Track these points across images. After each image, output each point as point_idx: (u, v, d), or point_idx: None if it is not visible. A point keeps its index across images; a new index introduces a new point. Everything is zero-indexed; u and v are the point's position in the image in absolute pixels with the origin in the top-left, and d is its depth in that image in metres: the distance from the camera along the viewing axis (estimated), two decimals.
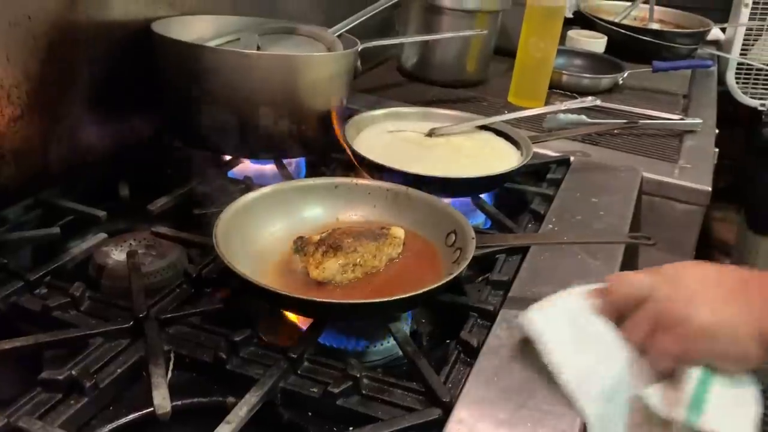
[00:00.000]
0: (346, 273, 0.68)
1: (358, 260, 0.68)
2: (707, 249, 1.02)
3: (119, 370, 0.59)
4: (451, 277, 0.62)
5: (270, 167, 0.99)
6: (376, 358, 0.68)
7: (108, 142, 0.93)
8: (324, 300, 0.57)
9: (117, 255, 0.80)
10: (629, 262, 0.91)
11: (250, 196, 0.74)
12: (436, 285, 0.61)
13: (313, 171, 1.02)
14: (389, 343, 0.67)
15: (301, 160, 1.03)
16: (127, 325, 0.63)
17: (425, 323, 0.74)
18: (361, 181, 0.81)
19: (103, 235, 0.78)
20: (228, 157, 0.98)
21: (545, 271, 0.74)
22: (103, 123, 0.92)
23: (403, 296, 0.59)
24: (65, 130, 0.87)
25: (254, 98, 0.90)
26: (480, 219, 0.92)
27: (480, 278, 0.77)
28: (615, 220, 0.87)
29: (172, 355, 0.61)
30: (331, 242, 0.68)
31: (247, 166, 1.01)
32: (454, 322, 0.69)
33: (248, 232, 0.72)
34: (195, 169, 0.94)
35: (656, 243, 0.68)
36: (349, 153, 0.90)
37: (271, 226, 0.75)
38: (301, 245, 0.69)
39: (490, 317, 0.67)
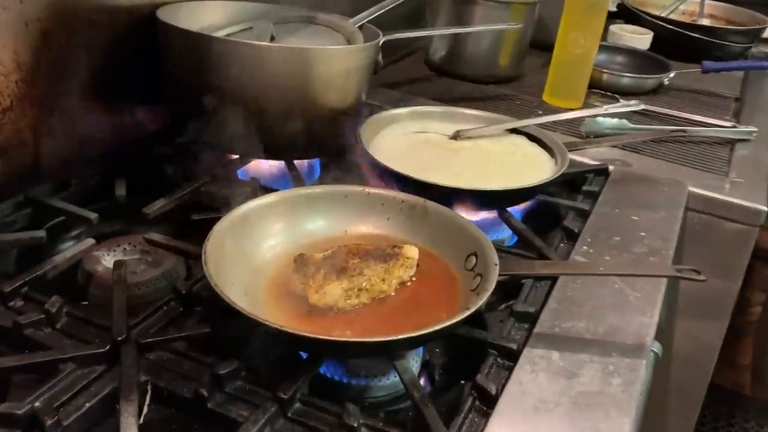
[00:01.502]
0: (350, 299, 0.60)
1: (364, 284, 0.60)
2: (753, 259, 0.92)
3: (88, 404, 0.52)
4: (468, 313, 0.54)
5: (281, 166, 0.91)
6: (380, 394, 0.61)
7: (106, 137, 0.86)
8: (317, 336, 0.50)
9: (108, 261, 0.74)
10: (671, 286, 0.82)
11: (249, 205, 0.67)
12: (449, 323, 0.53)
13: (327, 173, 0.95)
14: (396, 378, 0.60)
15: (315, 161, 0.96)
16: (102, 350, 0.56)
17: (439, 353, 0.67)
18: (373, 190, 0.73)
19: (90, 241, 0.71)
20: (236, 156, 0.91)
21: (577, 302, 0.65)
22: (101, 117, 0.86)
23: (410, 335, 0.51)
24: (59, 123, 0.81)
25: (264, 94, 0.83)
26: (505, 234, 0.84)
27: (503, 305, 0.69)
28: (658, 242, 0.78)
29: (149, 387, 0.54)
30: (335, 263, 0.61)
31: (257, 165, 0.94)
32: (471, 355, 0.61)
33: (245, 245, 0.65)
34: (199, 169, 0.87)
35: (706, 279, 0.59)
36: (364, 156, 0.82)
37: (271, 239, 0.67)
38: (301, 264, 0.61)
39: (512, 357, 0.59)
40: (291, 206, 0.69)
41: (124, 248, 0.77)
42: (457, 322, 0.53)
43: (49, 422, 0.49)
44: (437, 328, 0.52)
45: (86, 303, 0.69)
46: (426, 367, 0.64)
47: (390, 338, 0.51)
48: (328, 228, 0.71)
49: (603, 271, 0.60)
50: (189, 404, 0.53)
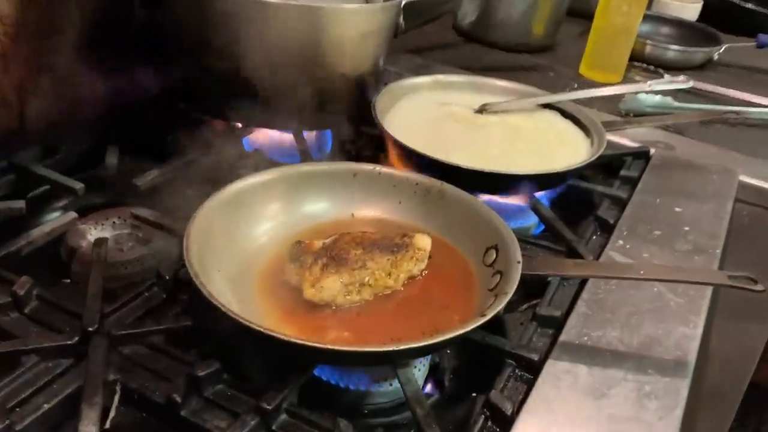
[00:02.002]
0: (350, 294, 0.53)
1: (367, 279, 0.53)
2: None
3: (48, 405, 0.46)
4: (482, 321, 0.47)
5: (290, 137, 0.84)
6: (381, 401, 0.54)
7: (99, 100, 0.80)
8: (304, 343, 0.43)
9: (95, 236, 0.68)
10: (717, 288, 0.74)
11: (243, 183, 0.59)
12: (458, 332, 0.45)
13: (340, 146, 0.87)
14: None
15: (327, 133, 0.88)
16: (71, 342, 0.50)
17: (451, 355, 0.59)
18: (385, 169, 0.65)
19: (71, 215, 0.65)
20: (240, 125, 0.83)
21: (610, 307, 0.57)
22: (94, 78, 0.79)
23: (413, 346, 0.44)
24: (47, 83, 0.74)
25: (271, 56, 0.75)
26: (531, 221, 0.76)
27: (525, 306, 0.61)
28: (704, 239, 0.69)
29: (118, 387, 0.48)
30: (335, 253, 0.54)
31: (263, 136, 0.86)
32: (486, 361, 0.54)
33: (236, 227, 0.58)
34: (199, 138, 0.80)
35: (765, 290, 0.50)
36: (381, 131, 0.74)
37: (267, 222, 0.60)
38: (297, 253, 0.54)
39: (532, 369, 0.51)
40: (291, 185, 0.62)
41: (114, 222, 0.70)
42: (468, 332, 0.46)
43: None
44: (444, 338, 0.45)
45: (68, 281, 0.64)
46: (435, 370, 0.57)
47: (390, 348, 0.44)
48: (332, 211, 0.64)
49: (643, 275, 0.52)
50: (161, 409, 0.47)
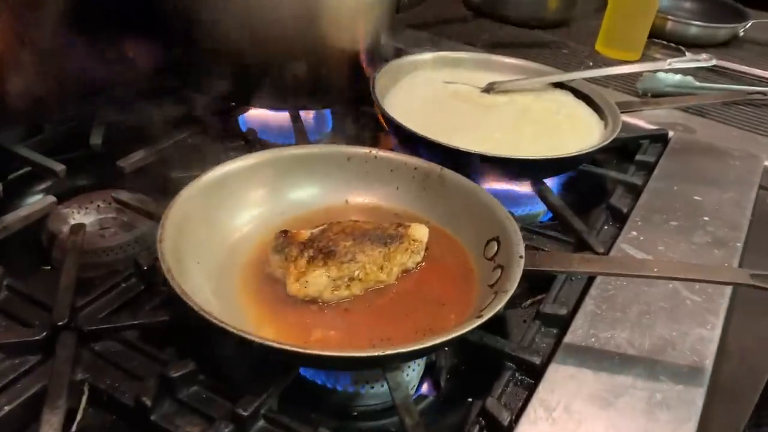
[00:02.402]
0: (338, 290, 0.49)
1: (357, 273, 0.49)
2: None
3: (8, 407, 0.43)
4: (479, 323, 0.43)
5: (286, 117, 0.80)
6: (372, 403, 0.50)
7: (85, 77, 0.75)
8: (282, 347, 0.39)
9: (78, 220, 0.65)
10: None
11: (227, 167, 0.55)
12: (452, 335, 0.41)
13: (338, 128, 0.83)
14: None
15: (326, 112, 0.84)
16: (38, 337, 0.47)
17: (449, 353, 0.55)
18: (381, 153, 0.61)
19: (49, 199, 0.62)
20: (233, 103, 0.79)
21: (621, 305, 0.53)
22: (80, 52, 0.74)
23: (402, 351, 0.40)
24: (30, 57, 0.70)
25: (263, 29, 0.71)
26: (538, 208, 0.71)
27: (528, 301, 0.57)
28: (724, 230, 0.64)
29: (86, 388, 0.45)
30: (323, 245, 0.50)
31: (259, 116, 0.82)
32: (485, 360, 0.50)
33: (218, 215, 0.54)
34: (191, 117, 0.76)
35: None
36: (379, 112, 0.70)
37: (252, 209, 0.56)
38: (282, 245, 0.50)
39: (534, 373, 0.47)
40: (279, 169, 0.58)
41: (98, 206, 0.67)
42: (463, 334, 0.42)
43: None
44: (436, 342, 0.41)
45: (49, 268, 0.61)
46: (431, 369, 0.53)
47: (376, 353, 0.40)
48: (324, 197, 0.60)
49: (657, 273, 0.47)
50: (130, 412, 0.44)
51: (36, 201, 0.62)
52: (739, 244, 0.62)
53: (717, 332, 0.52)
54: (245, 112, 0.80)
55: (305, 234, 0.51)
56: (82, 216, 0.66)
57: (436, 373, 0.53)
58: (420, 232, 0.54)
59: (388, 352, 0.40)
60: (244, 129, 0.78)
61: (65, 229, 0.62)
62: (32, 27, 0.69)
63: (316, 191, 0.60)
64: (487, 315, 0.43)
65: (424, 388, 0.53)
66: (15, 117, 0.71)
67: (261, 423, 0.43)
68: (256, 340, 0.40)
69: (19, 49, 0.69)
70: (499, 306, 0.44)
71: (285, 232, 0.51)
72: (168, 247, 0.46)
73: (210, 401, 0.44)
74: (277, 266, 0.50)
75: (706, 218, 0.66)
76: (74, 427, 0.44)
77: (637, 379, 0.47)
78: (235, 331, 0.40)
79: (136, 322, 0.49)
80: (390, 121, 0.67)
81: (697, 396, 0.46)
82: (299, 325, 0.48)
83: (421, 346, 0.41)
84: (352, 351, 0.42)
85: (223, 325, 0.40)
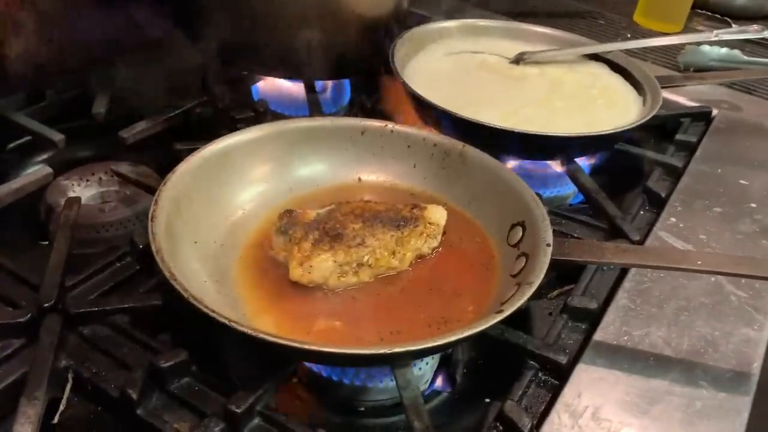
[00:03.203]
0: (344, 276, 0.45)
1: (366, 258, 0.45)
2: None
3: None
4: (499, 318, 0.38)
5: (301, 88, 0.75)
6: (380, 398, 0.46)
7: (90, 41, 0.71)
8: (278, 342, 0.35)
9: (78, 193, 0.61)
10: None
11: (230, 140, 0.51)
12: (469, 332, 0.37)
13: (355, 100, 0.78)
14: None
15: (345, 82, 0.79)
16: (22, 319, 0.44)
17: (465, 346, 0.51)
18: (398, 127, 0.56)
19: (45, 170, 0.59)
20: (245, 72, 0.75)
21: (657, 299, 0.48)
22: (84, 16, 0.70)
23: (411, 348, 0.36)
24: (31, 20, 0.66)
25: None
26: (569, 189, 0.66)
27: (555, 292, 0.52)
28: None
29: (70, 376, 0.42)
30: (329, 226, 0.45)
31: (273, 85, 0.78)
32: (505, 358, 0.46)
33: (220, 192, 0.50)
34: (200, 86, 0.72)
35: None
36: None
37: (257, 185, 0.52)
38: (286, 225, 0.46)
39: (559, 374, 0.43)
40: (286, 143, 0.54)
41: (100, 178, 0.64)
42: (480, 331, 0.38)
43: None
44: (449, 340, 0.37)
45: (46, 243, 0.58)
46: (447, 362, 0.49)
47: (382, 351, 0.36)
48: (335, 174, 0.55)
49: (701, 266, 0.42)
50: (115, 404, 0.40)
51: (30, 172, 0.59)
52: None
53: (765, 333, 0.47)
54: (258, 81, 0.76)
55: (311, 214, 0.47)
56: (82, 189, 0.62)
57: (452, 367, 0.49)
58: (437, 215, 0.49)
59: (396, 349, 0.36)
60: (255, 99, 0.74)
61: (63, 202, 0.59)
62: None
63: (327, 168, 0.56)
64: (509, 310, 0.39)
65: (438, 382, 0.48)
66: (15, 84, 0.67)
67: (256, 421, 0.39)
68: (249, 332, 0.36)
69: (19, 12, 0.66)
70: (522, 300, 0.40)
71: (290, 211, 0.47)
72: (161, 225, 0.43)
73: (202, 394, 0.41)
74: (280, 249, 0.46)
75: (753, 205, 0.61)
76: (57, 418, 0.40)
77: (674, 384, 0.42)
78: (225, 322, 0.36)
79: (126, 306, 0.46)
80: (409, 92, 0.62)
81: (742, 405, 0.41)
82: (301, 314, 0.44)
83: (434, 344, 0.36)
84: (355, 347, 0.38)
85: (213, 315, 0.36)
